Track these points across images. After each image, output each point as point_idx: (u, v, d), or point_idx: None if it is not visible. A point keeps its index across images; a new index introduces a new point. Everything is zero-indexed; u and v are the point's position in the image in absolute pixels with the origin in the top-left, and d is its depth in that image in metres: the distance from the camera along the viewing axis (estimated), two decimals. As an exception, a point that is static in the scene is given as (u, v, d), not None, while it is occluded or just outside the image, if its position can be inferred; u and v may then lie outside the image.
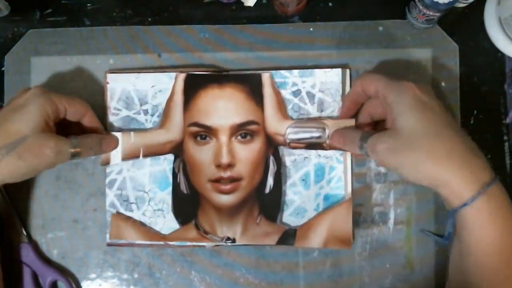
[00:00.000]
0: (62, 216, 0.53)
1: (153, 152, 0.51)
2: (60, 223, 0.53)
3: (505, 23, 0.52)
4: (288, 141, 0.49)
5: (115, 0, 0.56)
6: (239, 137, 0.49)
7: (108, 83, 0.53)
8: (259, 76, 0.50)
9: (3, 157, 0.42)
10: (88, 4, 0.56)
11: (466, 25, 0.55)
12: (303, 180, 0.52)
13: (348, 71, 0.53)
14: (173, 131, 0.50)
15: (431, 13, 0.50)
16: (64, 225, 0.53)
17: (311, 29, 0.55)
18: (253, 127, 0.49)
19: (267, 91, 0.49)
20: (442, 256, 0.52)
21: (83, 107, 0.48)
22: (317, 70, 0.53)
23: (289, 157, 0.52)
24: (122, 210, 0.52)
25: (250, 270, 0.53)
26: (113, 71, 0.54)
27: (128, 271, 0.53)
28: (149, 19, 0.56)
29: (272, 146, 0.50)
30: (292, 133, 0.49)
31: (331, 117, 0.51)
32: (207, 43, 0.54)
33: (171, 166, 0.51)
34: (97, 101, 0.53)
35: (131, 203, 0.52)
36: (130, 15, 0.56)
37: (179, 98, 0.51)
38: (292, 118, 0.52)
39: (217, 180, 0.50)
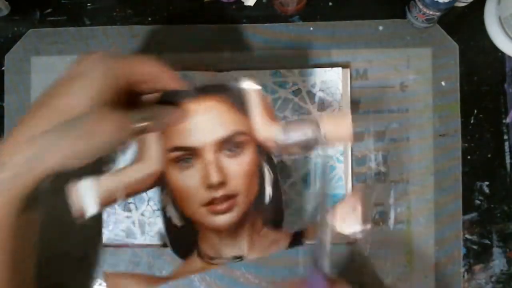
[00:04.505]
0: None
1: (133, 191, 0.43)
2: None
3: (505, 23, 0.52)
4: (282, 145, 0.44)
5: (115, -1, 0.56)
6: (226, 151, 0.43)
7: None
8: (240, 83, 0.43)
9: (59, 140, 0.34)
10: (88, 4, 0.56)
11: (466, 25, 0.55)
12: (304, 179, 0.52)
13: (348, 70, 0.53)
14: (153, 162, 0.43)
15: (431, 13, 0.50)
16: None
17: (311, 28, 0.55)
18: (241, 138, 0.43)
19: (251, 97, 0.43)
20: (442, 256, 0.53)
21: (155, 67, 0.39)
22: (317, 70, 0.53)
23: (289, 156, 0.52)
24: (119, 210, 0.52)
25: (250, 269, 0.53)
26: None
27: (128, 271, 0.53)
28: (149, 19, 0.56)
29: (264, 154, 0.45)
30: (284, 136, 0.44)
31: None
32: (207, 42, 0.54)
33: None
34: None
35: (129, 202, 0.52)
36: (130, 14, 0.56)
37: None
38: (284, 118, 0.51)
39: (211, 202, 0.43)
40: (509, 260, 0.53)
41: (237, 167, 0.43)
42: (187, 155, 0.43)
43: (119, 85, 0.37)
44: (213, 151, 0.43)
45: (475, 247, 0.53)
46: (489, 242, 0.53)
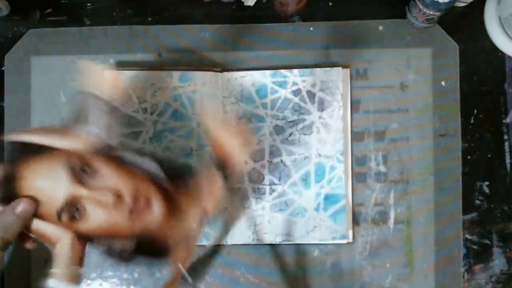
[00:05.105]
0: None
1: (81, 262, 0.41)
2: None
3: (505, 23, 0.52)
4: None
5: (115, -1, 0.56)
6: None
7: (107, 82, 0.53)
8: None
9: None
10: (88, 4, 0.56)
11: (466, 25, 0.55)
12: (304, 179, 0.52)
13: (348, 70, 0.53)
14: (62, 236, 0.40)
15: (431, 13, 0.50)
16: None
17: (311, 28, 0.55)
18: None
19: None
20: (442, 256, 0.52)
21: None
22: (317, 69, 0.53)
23: (289, 156, 0.53)
24: None
25: (250, 269, 0.53)
26: (111, 68, 0.54)
27: (128, 271, 0.53)
28: (149, 19, 0.56)
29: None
30: None
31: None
32: (207, 42, 0.55)
33: None
34: (97, 100, 0.53)
35: None
36: (130, 14, 0.56)
37: None
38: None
39: (131, 211, 0.40)
40: (509, 260, 0.53)
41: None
42: (68, 208, 0.39)
43: None
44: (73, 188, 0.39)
45: (475, 247, 0.53)
46: (489, 242, 0.53)
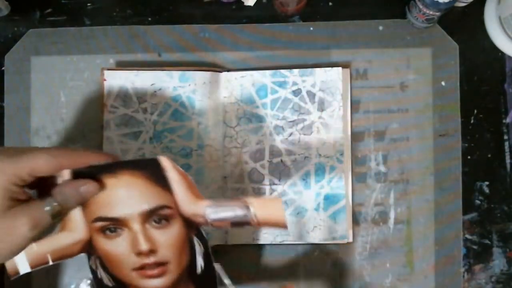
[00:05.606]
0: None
1: (62, 255, 0.43)
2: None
3: (505, 22, 0.52)
4: (209, 221, 0.44)
5: (115, -1, 0.56)
6: (153, 223, 0.43)
7: (105, 80, 0.53)
8: (156, 160, 0.42)
9: None
10: (88, 4, 0.56)
11: (466, 25, 0.55)
12: (304, 179, 0.52)
13: (348, 70, 0.53)
14: (77, 231, 0.43)
15: (431, 13, 0.50)
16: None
17: (311, 28, 0.55)
18: (165, 211, 0.43)
19: (171, 175, 0.43)
20: (442, 256, 0.52)
21: (51, 161, 0.38)
22: (317, 69, 0.53)
23: (289, 156, 0.53)
24: None
25: (250, 269, 0.53)
26: (111, 68, 0.54)
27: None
28: (149, 19, 0.56)
29: (193, 227, 0.44)
30: (212, 213, 0.43)
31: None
32: (207, 42, 0.55)
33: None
34: (97, 101, 0.53)
35: None
36: (130, 14, 0.56)
37: None
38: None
39: (142, 267, 0.43)
40: (509, 260, 0.53)
41: (165, 237, 0.44)
42: (112, 224, 0.43)
43: (21, 184, 0.37)
44: (139, 222, 0.43)
45: (475, 247, 0.53)
46: (489, 242, 0.53)
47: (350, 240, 0.52)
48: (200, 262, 0.45)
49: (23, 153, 0.37)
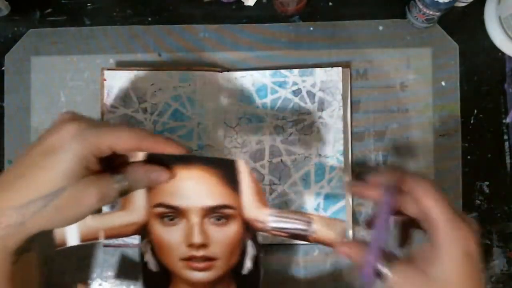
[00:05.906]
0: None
1: (115, 234, 0.45)
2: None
3: (505, 23, 0.52)
4: (269, 228, 0.44)
5: (115, -1, 0.56)
6: (212, 219, 0.44)
7: (105, 80, 0.53)
8: (233, 162, 0.43)
9: (39, 210, 0.35)
10: (88, 4, 0.56)
11: (466, 25, 0.55)
12: (304, 179, 0.52)
13: (348, 70, 0.53)
14: (136, 213, 0.45)
15: (431, 13, 0.50)
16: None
17: (311, 28, 0.55)
18: (228, 211, 0.44)
19: (244, 179, 0.44)
20: (443, 256, 0.52)
21: (133, 139, 0.38)
22: (317, 69, 0.53)
23: (289, 156, 0.53)
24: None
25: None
26: (111, 68, 0.54)
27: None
28: (149, 19, 0.56)
29: (250, 231, 0.45)
30: (274, 222, 0.44)
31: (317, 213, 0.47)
32: (207, 42, 0.55)
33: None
34: (97, 101, 0.53)
35: None
36: (130, 14, 0.56)
37: None
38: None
39: (189, 259, 0.45)
40: (509, 260, 0.53)
41: (220, 235, 0.45)
42: (172, 213, 0.44)
43: (98, 155, 0.37)
44: (199, 215, 0.44)
45: (475, 247, 0.53)
46: (489, 242, 0.53)
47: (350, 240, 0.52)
48: (248, 264, 0.46)
49: (108, 126, 0.38)
